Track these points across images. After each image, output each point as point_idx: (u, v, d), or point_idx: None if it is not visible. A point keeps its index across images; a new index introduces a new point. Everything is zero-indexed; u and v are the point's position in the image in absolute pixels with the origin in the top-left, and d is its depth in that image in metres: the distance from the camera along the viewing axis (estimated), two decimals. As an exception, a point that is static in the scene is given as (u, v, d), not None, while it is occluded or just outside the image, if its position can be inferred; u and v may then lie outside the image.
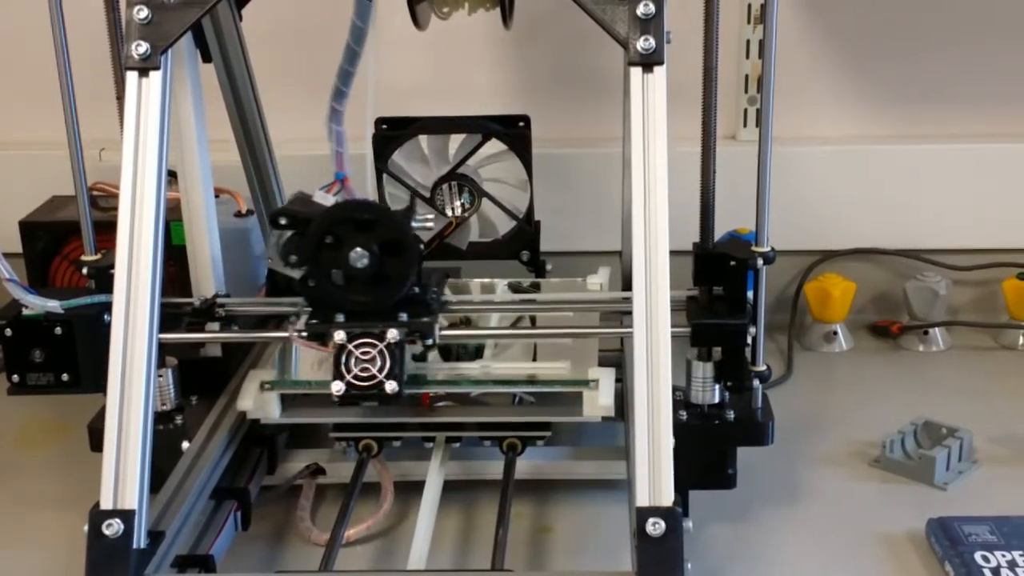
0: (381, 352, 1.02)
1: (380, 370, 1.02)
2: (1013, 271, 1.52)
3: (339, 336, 1.02)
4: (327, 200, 1.07)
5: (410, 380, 1.07)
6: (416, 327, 1.03)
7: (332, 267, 1.01)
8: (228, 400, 1.15)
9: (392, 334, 1.02)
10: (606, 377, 1.09)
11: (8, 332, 1.12)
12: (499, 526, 1.03)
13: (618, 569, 1.03)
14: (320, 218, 1.01)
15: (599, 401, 1.08)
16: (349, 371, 1.02)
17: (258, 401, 1.10)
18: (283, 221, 1.04)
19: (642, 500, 0.91)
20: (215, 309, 1.16)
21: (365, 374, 1.02)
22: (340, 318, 1.03)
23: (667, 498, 0.91)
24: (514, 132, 1.28)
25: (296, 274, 1.03)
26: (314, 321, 1.04)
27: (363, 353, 1.02)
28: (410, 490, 1.14)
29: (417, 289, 1.03)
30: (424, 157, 1.31)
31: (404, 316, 1.02)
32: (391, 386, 1.02)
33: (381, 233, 1.00)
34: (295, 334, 1.04)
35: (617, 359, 1.20)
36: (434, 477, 1.12)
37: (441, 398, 1.14)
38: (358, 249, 1.00)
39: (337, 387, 1.02)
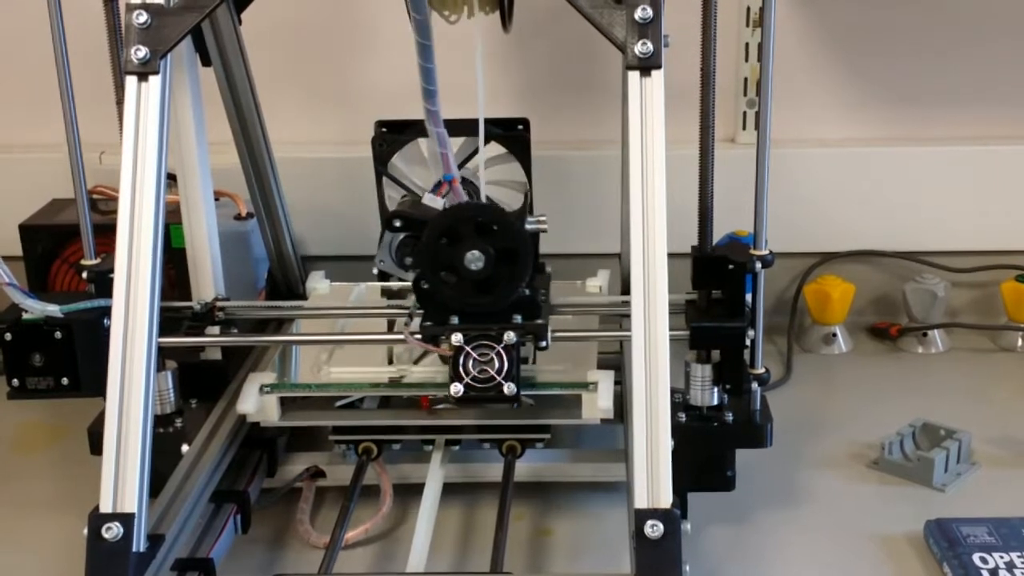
0: (499, 354, 1.02)
1: (498, 372, 1.02)
2: (1012, 273, 1.53)
3: (456, 338, 1.02)
4: (436, 202, 1.07)
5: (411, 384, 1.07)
6: (530, 329, 1.03)
7: (447, 269, 1.01)
8: (228, 403, 1.15)
9: (509, 336, 1.02)
10: (605, 380, 1.09)
11: (8, 336, 1.13)
12: (498, 528, 1.03)
13: (617, 571, 1.03)
14: (436, 220, 1.01)
15: (598, 404, 1.08)
16: (468, 373, 1.02)
17: (258, 404, 1.10)
18: (398, 223, 1.04)
19: (641, 502, 0.91)
20: (215, 312, 1.16)
21: (483, 376, 1.02)
22: (454, 320, 1.03)
23: (665, 500, 0.91)
24: (513, 135, 1.28)
25: (409, 276, 1.03)
26: (428, 323, 1.03)
27: (481, 355, 1.02)
28: (409, 492, 1.15)
29: (527, 291, 1.03)
30: (424, 160, 1.31)
31: (518, 318, 1.02)
32: (510, 388, 1.02)
33: (496, 235, 1.00)
34: (410, 335, 1.04)
35: (616, 361, 1.20)
36: (433, 479, 1.12)
37: (440, 401, 1.14)
38: (475, 251, 1.00)
39: (456, 388, 1.02)
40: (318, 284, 1.32)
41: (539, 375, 1.11)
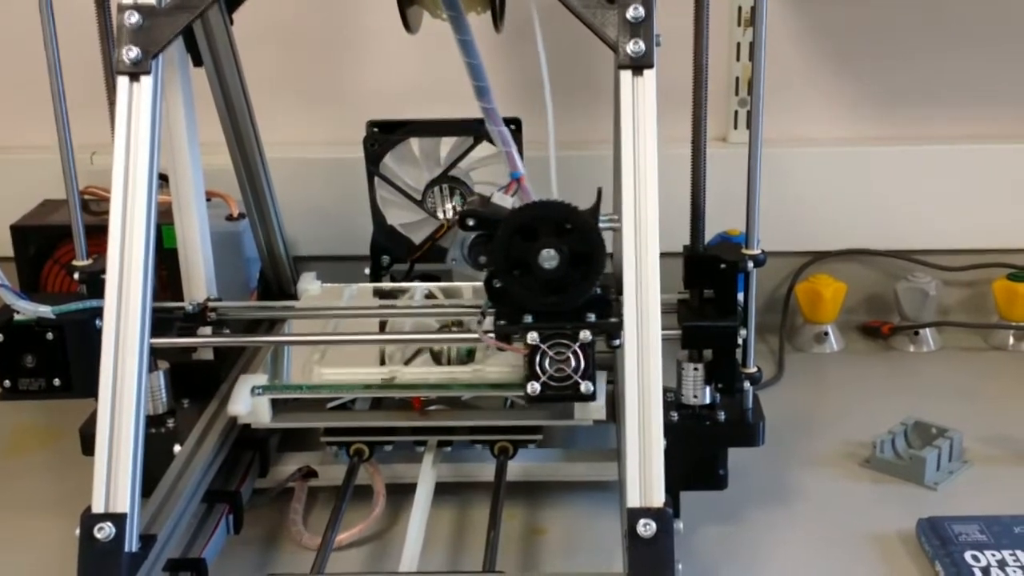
0: (575, 352, 1.01)
1: (575, 370, 1.01)
2: (1003, 271, 1.53)
3: (532, 337, 1.01)
4: (506, 201, 1.07)
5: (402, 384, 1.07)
6: (605, 327, 1.02)
7: (520, 267, 1.00)
8: (220, 403, 1.15)
9: (585, 335, 1.01)
10: (597, 380, 1.09)
11: None
12: (491, 528, 1.03)
13: (610, 570, 1.03)
14: (510, 219, 1.00)
15: (590, 404, 1.07)
16: (544, 371, 1.01)
17: (249, 406, 1.10)
18: (471, 222, 1.03)
19: (633, 501, 0.91)
20: (206, 313, 1.16)
21: (560, 374, 1.01)
22: (528, 318, 1.02)
23: (658, 499, 0.91)
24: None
25: (482, 275, 1.03)
26: (503, 322, 1.02)
27: (557, 353, 1.01)
28: (401, 493, 1.14)
29: (599, 290, 1.02)
30: (415, 159, 1.31)
31: (592, 317, 1.02)
32: (587, 386, 1.01)
33: (570, 233, 0.99)
34: (484, 334, 1.03)
35: (609, 361, 1.20)
36: (426, 480, 1.12)
37: (432, 402, 1.14)
38: (549, 250, 0.99)
39: (532, 387, 1.01)
40: (309, 285, 1.32)
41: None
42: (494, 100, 1.03)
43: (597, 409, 1.08)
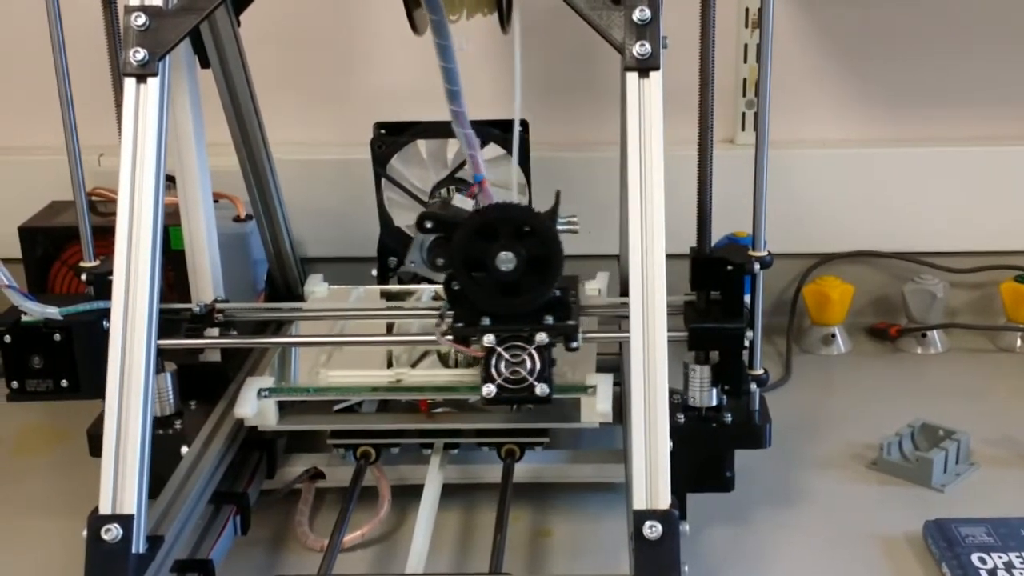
0: (531, 355, 1.01)
1: (530, 373, 1.01)
2: (1010, 273, 1.53)
3: (488, 339, 1.01)
4: (467, 204, 1.07)
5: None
6: (561, 330, 1.02)
7: (478, 270, 1.00)
8: (227, 405, 1.15)
9: (541, 337, 1.01)
10: (604, 383, 1.09)
11: (7, 338, 1.13)
12: (497, 531, 1.03)
13: (616, 572, 1.03)
14: (468, 222, 1.00)
15: (597, 407, 1.07)
16: (500, 374, 1.01)
17: (256, 408, 1.10)
18: (429, 225, 1.03)
19: (639, 503, 0.91)
20: (214, 314, 1.16)
21: (515, 377, 1.02)
22: (485, 321, 1.02)
23: (664, 501, 0.91)
24: (512, 136, 1.28)
25: (440, 277, 1.03)
26: (460, 324, 1.03)
27: (513, 356, 1.01)
28: (408, 494, 1.15)
29: (558, 292, 1.02)
30: (423, 161, 1.31)
31: (549, 319, 1.02)
32: (542, 388, 1.01)
33: (528, 236, 1.00)
34: (441, 336, 1.03)
35: (616, 363, 1.20)
36: (432, 483, 1.12)
37: (439, 404, 1.13)
38: (507, 253, 0.99)
39: (488, 389, 1.01)
40: (316, 287, 1.32)
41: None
42: (464, 104, 1.03)
43: (603, 413, 1.07)
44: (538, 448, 1.15)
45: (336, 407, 1.15)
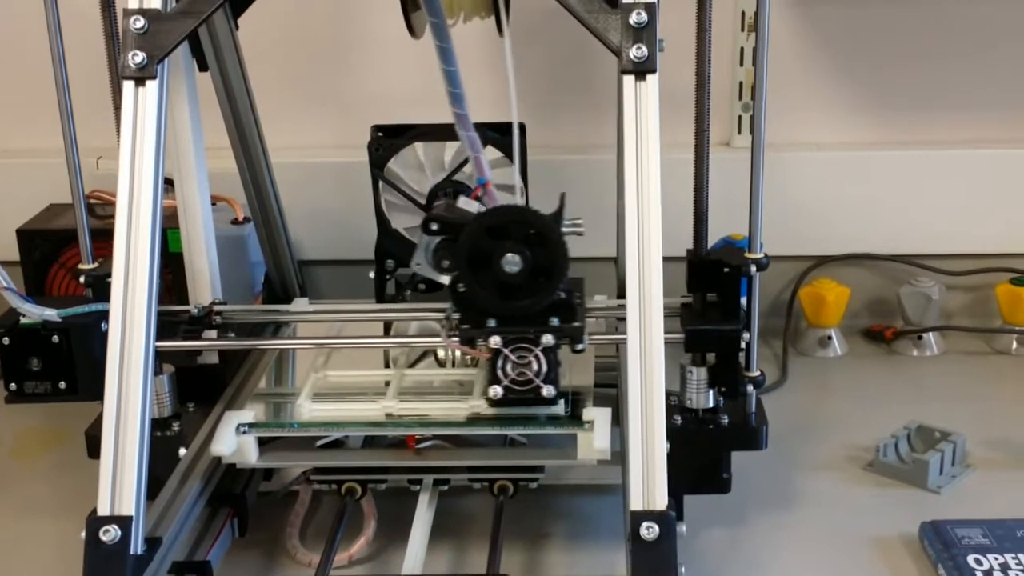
0: (537, 357, 1.02)
1: (537, 374, 1.02)
2: (1006, 276, 1.53)
3: (494, 341, 1.01)
4: (471, 206, 1.07)
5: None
6: (567, 332, 1.02)
7: (484, 272, 1.00)
8: (224, 407, 1.15)
9: (547, 339, 1.01)
10: (602, 418, 1.05)
11: (5, 341, 1.13)
12: (489, 567, 1.01)
13: (613, 574, 1.03)
14: (473, 223, 1.00)
15: (594, 444, 1.03)
16: (506, 375, 1.02)
17: (234, 445, 1.05)
18: (434, 227, 1.03)
19: (636, 504, 0.91)
20: (212, 317, 1.17)
21: (522, 378, 1.02)
22: (491, 323, 1.02)
23: (661, 502, 0.91)
24: (509, 139, 1.28)
25: (445, 279, 1.03)
26: (466, 326, 1.03)
27: (519, 358, 1.01)
28: (397, 525, 1.12)
29: (563, 294, 1.02)
30: (420, 164, 1.31)
31: (555, 321, 1.02)
32: (548, 390, 1.02)
33: (533, 238, 1.00)
34: (447, 338, 1.03)
35: (613, 365, 1.20)
36: (421, 521, 1.08)
37: (427, 439, 1.10)
38: (513, 255, 0.99)
39: (495, 391, 1.02)
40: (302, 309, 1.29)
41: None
42: (467, 107, 1.02)
43: (601, 450, 1.03)
44: (532, 485, 1.11)
45: (319, 443, 1.10)
